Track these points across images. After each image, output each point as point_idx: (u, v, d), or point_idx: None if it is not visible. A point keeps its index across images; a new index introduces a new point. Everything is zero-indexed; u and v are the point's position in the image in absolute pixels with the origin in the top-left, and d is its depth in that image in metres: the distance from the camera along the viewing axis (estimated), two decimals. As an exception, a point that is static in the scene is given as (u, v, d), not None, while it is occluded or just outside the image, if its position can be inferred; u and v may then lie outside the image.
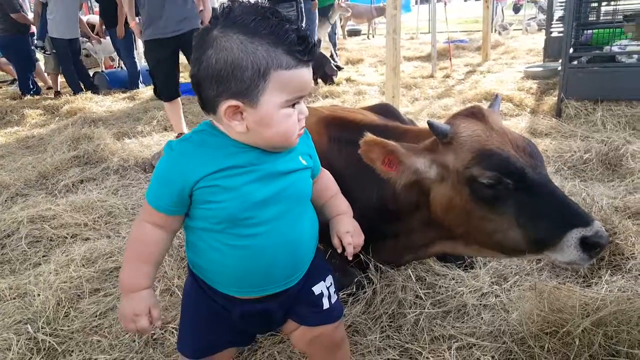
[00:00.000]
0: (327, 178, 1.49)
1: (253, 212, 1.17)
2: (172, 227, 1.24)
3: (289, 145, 1.21)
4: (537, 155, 1.51)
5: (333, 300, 1.40)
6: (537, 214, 1.43)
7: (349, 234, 1.41)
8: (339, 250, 1.42)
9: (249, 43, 1.07)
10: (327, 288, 1.39)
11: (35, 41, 7.87)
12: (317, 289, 1.36)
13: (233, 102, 1.10)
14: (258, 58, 1.07)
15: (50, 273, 2.32)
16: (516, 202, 1.45)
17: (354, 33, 18.76)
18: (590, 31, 5.64)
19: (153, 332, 1.85)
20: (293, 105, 1.15)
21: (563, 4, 6.15)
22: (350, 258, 1.43)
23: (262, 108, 1.11)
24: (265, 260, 1.22)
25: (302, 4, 7.43)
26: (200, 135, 1.20)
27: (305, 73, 1.14)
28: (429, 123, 1.52)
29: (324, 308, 1.37)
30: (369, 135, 1.54)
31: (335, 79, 7.48)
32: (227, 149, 1.17)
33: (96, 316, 2.05)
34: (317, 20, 9.27)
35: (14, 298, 2.19)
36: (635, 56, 4.51)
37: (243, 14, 1.09)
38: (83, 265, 2.42)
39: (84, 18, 9.35)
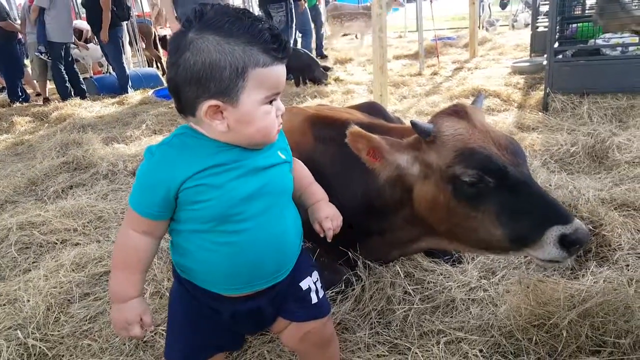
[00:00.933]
0: (300, 166, 1.51)
1: (240, 208, 1.18)
2: (157, 232, 1.24)
3: (269, 141, 1.23)
4: (519, 153, 1.52)
5: (320, 295, 1.42)
6: (518, 211, 1.45)
7: (329, 219, 1.45)
8: (321, 235, 1.46)
9: (225, 44, 1.09)
10: (314, 283, 1.41)
11: (38, 47, 7.83)
12: (304, 284, 1.38)
13: (213, 102, 1.12)
14: (235, 57, 1.09)
15: (40, 279, 2.31)
16: (498, 200, 1.46)
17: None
18: (576, 25, 5.68)
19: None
20: (270, 102, 1.18)
21: (548, -1, 6.19)
22: (329, 241, 1.47)
23: (243, 106, 1.13)
24: (253, 256, 1.23)
25: (292, 5, 7.45)
26: (180, 138, 1.21)
27: (281, 70, 1.17)
28: (412, 122, 1.54)
29: (313, 303, 1.39)
30: (354, 127, 1.56)
31: (325, 81, 7.49)
32: (209, 149, 1.18)
33: (86, 320, 2.04)
34: (311, 23, 9.31)
35: (4, 304, 2.18)
36: (619, 48, 4.55)
37: (216, 16, 1.11)
38: (73, 270, 2.41)
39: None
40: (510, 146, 1.52)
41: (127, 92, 8.09)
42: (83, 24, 9.50)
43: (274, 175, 1.26)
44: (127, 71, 8.34)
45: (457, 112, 1.60)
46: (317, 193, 1.51)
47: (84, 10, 9.66)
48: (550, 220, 1.39)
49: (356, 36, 17.61)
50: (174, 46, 1.13)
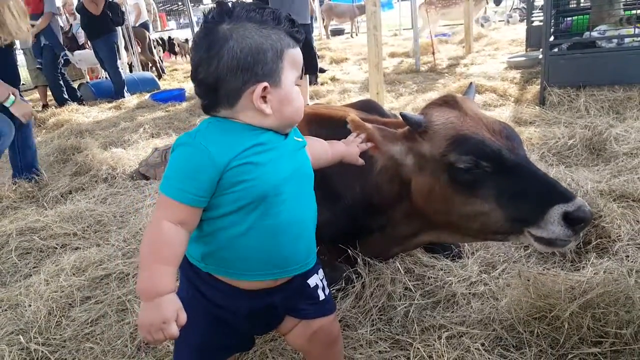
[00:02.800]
0: (314, 142, 1.55)
1: (280, 189, 1.20)
2: (192, 223, 1.19)
3: (299, 120, 1.29)
4: (514, 137, 1.52)
5: (327, 292, 1.43)
6: (518, 193, 1.44)
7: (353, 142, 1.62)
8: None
9: (262, 29, 1.16)
10: (321, 280, 1.42)
11: (66, 52, 7.81)
12: (311, 281, 1.38)
13: (264, 84, 1.16)
14: (273, 40, 1.17)
15: (41, 283, 2.31)
16: (496, 184, 1.45)
17: (338, 32, 18.79)
18: (570, 19, 5.69)
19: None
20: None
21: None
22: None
23: (284, 86, 1.20)
24: (288, 239, 1.25)
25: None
26: (215, 124, 1.22)
27: (300, 52, 1.26)
28: (402, 115, 1.54)
29: (320, 299, 1.40)
30: (352, 116, 1.59)
31: (319, 80, 7.49)
32: (244, 132, 1.20)
33: (88, 324, 2.04)
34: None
35: (6, 310, 2.18)
36: (615, 41, 4.55)
37: (244, 8, 1.18)
38: (73, 274, 2.41)
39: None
40: (504, 131, 1.52)
41: (124, 97, 8.07)
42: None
43: (303, 158, 1.32)
44: (123, 76, 8.32)
45: (447, 102, 1.61)
46: (322, 144, 1.59)
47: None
48: (552, 199, 1.38)
49: (352, 35, 17.69)
50: (209, 42, 1.16)
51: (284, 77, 1.19)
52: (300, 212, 1.26)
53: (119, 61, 8.33)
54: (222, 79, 1.16)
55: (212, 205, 1.19)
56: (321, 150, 1.53)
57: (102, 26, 7.92)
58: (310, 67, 5.62)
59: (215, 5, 1.21)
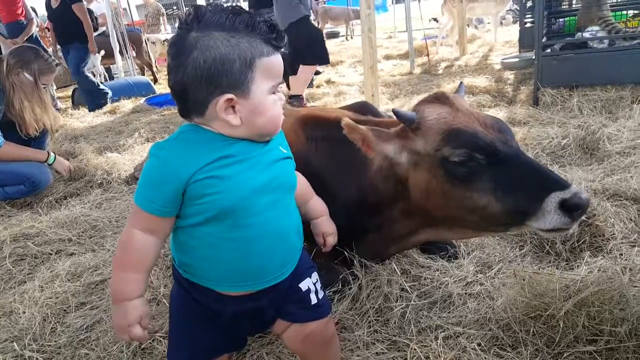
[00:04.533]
0: (303, 181, 1.54)
1: (250, 201, 1.19)
2: (162, 231, 1.22)
3: (277, 131, 1.26)
4: (506, 130, 1.53)
5: (320, 295, 1.42)
6: (514, 185, 1.44)
7: (333, 235, 1.62)
8: (322, 248, 1.60)
9: (230, 37, 1.12)
10: (314, 284, 1.41)
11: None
12: (303, 285, 1.38)
13: (228, 96, 1.13)
14: (242, 49, 1.12)
15: (35, 290, 2.30)
16: (491, 176, 1.46)
17: (333, 35, 18.81)
18: (563, 19, 5.72)
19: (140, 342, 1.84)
20: (274, 93, 1.21)
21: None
22: (329, 250, 1.58)
23: (254, 97, 1.16)
24: (260, 251, 1.24)
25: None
26: (186, 134, 1.21)
27: (280, 59, 1.22)
28: (394, 111, 1.55)
29: (312, 303, 1.39)
30: (346, 119, 1.59)
31: (314, 82, 7.48)
32: (216, 142, 1.19)
33: (83, 330, 2.03)
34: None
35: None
36: (607, 41, 4.58)
37: (215, 14, 1.14)
38: (68, 280, 2.40)
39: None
40: (496, 125, 1.53)
41: (107, 103, 7.67)
42: None
43: (280, 169, 1.28)
44: (96, 81, 7.74)
45: (438, 98, 1.62)
46: (320, 208, 1.61)
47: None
48: (548, 188, 1.38)
49: (347, 38, 17.72)
50: (177, 49, 1.14)
51: (255, 87, 1.15)
52: (275, 223, 1.25)
53: (89, 68, 7.83)
54: (188, 88, 1.15)
55: (182, 215, 1.21)
56: (299, 196, 1.48)
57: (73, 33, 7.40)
58: (320, 57, 5.48)
59: (192, 10, 1.18)
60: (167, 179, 1.14)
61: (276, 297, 1.33)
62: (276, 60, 1.19)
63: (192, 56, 1.11)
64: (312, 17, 5.56)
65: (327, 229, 1.60)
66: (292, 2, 5.07)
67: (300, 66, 5.52)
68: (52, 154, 3.86)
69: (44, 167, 3.79)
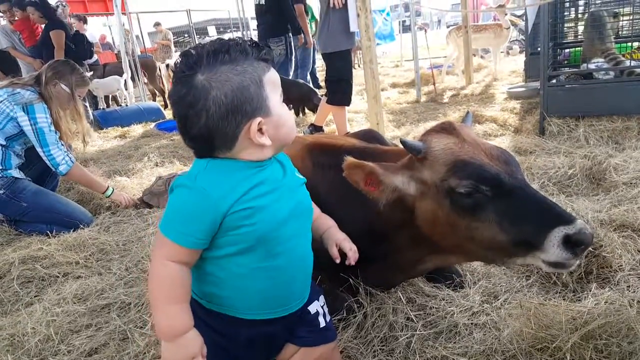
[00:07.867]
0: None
1: (280, 231, 1.21)
2: (194, 260, 1.22)
3: (293, 138, 1.30)
4: (512, 162, 1.54)
5: (327, 319, 1.44)
6: (519, 217, 1.44)
7: (347, 240, 1.57)
8: (337, 261, 1.52)
9: (236, 67, 1.16)
10: (322, 307, 1.43)
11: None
12: (312, 308, 1.40)
13: (258, 119, 1.17)
14: (250, 74, 1.18)
15: (42, 312, 2.31)
16: (497, 208, 1.46)
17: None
18: (568, 50, 5.78)
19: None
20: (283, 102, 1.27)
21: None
22: (353, 263, 1.53)
23: (274, 112, 1.22)
24: (288, 277, 1.26)
25: (291, 39, 7.63)
26: (215, 163, 1.22)
27: (275, 71, 1.27)
28: (401, 141, 1.57)
29: (321, 327, 1.41)
30: (348, 159, 1.58)
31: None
32: (247, 170, 1.21)
33: (88, 353, 2.03)
34: (310, 56, 9.45)
35: (5, 338, 2.17)
36: (612, 72, 4.62)
37: (210, 53, 1.17)
38: (74, 302, 2.41)
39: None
40: (502, 156, 1.54)
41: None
42: None
43: (302, 195, 1.33)
44: (90, 115, 7.68)
45: (445, 128, 1.64)
46: (327, 220, 1.61)
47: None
48: (553, 222, 1.38)
49: (354, 67, 17.92)
50: (192, 98, 1.15)
51: (271, 103, 1.21)
52: (299, 249, 1.28)
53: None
54: (215, 129, 1.16)
55: (214, 246, 1.20)
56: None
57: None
58: (342, 100, 5.37)
59: (180, 57, 1.19)
60: (205, 211, 1.14)
61: (290, 322, 1.34)
62: (274, 73, 1.25)
63: (212, 96, 1.14)
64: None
65: (339, 235, 1.59)
66: (347, 32, 4.97)
67: (323, 102, 5.61)
68: (110, 188, 3.93)
69: (84, 209, 3.81)
